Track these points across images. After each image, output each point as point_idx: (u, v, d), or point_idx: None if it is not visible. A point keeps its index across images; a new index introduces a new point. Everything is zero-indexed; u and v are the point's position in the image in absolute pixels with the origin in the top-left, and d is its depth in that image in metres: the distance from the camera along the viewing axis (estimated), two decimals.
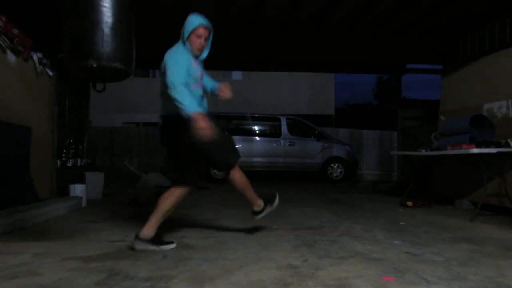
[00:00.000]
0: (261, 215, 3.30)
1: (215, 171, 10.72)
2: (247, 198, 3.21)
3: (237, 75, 20.27)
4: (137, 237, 2.95)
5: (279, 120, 11.29)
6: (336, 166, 11.36)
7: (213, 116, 2.93)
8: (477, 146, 4.65)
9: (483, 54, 5.99)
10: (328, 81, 20.53)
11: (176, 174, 3.17)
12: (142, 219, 4.31)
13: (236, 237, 3.41)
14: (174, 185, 3.11)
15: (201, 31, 2.99)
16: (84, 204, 5.30)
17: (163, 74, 2.90)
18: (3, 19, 4.16)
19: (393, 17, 6.62)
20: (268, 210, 3.30)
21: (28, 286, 2.12)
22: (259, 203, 3.26)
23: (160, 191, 5.45)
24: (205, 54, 3.11)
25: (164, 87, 2.88)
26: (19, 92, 4.55)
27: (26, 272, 2.36)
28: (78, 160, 6.54)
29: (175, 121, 2.87)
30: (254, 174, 11.59)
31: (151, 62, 9.27)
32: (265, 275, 2.34)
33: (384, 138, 14.56)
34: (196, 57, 3.03)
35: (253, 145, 11.13)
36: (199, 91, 3.01)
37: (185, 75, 2.83)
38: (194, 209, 5.23)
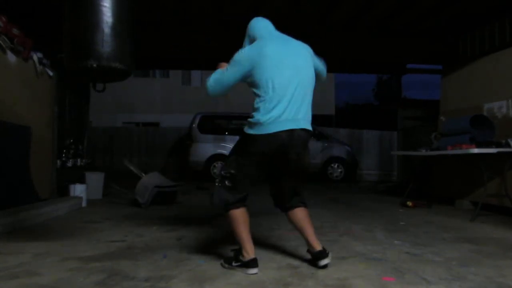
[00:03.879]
0: (225, 264, 2.53)
1: (214, 171, 10.77)
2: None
3: None
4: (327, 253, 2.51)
5: None
6: (336, 166, 11.36)
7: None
8: (477, 146, 4.65)
9: (483, 54, 5.98)
10: (328, 81, 20.53)
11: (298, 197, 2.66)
12: (142, 219, 4.33)
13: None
14: (301, 206, 2.63)
15: None
16: (84, 204, 5.30)
17: (310, 67, 2.58)
18: (3, 19, 4.16)
19: (393, 17, 6.62)
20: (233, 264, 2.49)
21: (28, 286, 2.12)
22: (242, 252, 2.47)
23: (160, 191, 5.49)
24: None
25: (312, 83, 2.57)
26: (19, 92, 4.54)
27: (26, 272, 2.36)
28: (78, 160, 6.53)
29: (310, 137, 2.57)
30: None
31: (151, 62, 9.39)
32: (265, 275, 2.34)
33: (384, 138, 14.57)
34: None
35: None
36: None
37: None
38: (194, 210, 5.23)
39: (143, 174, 5.65)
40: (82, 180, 5.80)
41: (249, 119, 2.46)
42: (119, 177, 7.87)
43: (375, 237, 3.52)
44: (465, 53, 6.82)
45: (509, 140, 4.59)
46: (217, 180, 2.57)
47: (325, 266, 2.48)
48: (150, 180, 5.48)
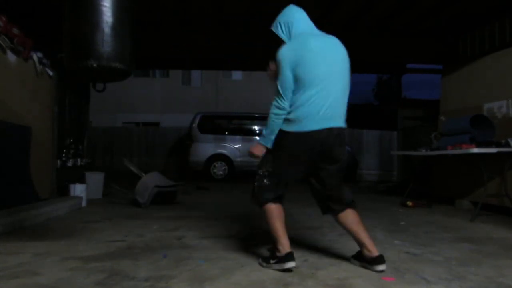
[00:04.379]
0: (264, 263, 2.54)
1: (214, 171, 10.77)
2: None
3: (237, 75, 20.29)
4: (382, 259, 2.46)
5: None
6: None
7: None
8: (477, 146, 4.65)
9: (483, 54, 5.98)
10: None
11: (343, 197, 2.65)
12: (142, 219, 4.33)
13: (236, 237, 3.41)
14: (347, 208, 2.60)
15: None
16: (84, 204, 5.30)
17: (346, 71, 2.60)
18: (3, 19, 4.16)
19: (393, 17, 6.62)
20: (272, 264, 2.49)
21: (28, 286, 2.12)
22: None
23: (160, 191, 5.49)
24: None
25: (348, 80, 2.60)
26: (19, 92, 4.54)
27: (26, 272, 2.36)
28: (78, 160, 6.54)
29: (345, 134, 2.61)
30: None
31: (151, 62, 9.39)
32: (265, 275, 2.34)
33: (384, 138, 14.54)
34: None
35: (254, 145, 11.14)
36: None
37: None
38: (194, 210, 5.23)
39: (143, 174, 5.65)
40: (82, 180, 5.81)
41: (287, 116, 2.44)
42: (119, 177, 7.87)
43: (375, 237, 3.51)
44: (465, 53, 6.83)
45: (509, 140, 4.59)
46: (256, 177, 2.57)
47: (381, 271, 2.42)
48: (150, 180, 5.48)
